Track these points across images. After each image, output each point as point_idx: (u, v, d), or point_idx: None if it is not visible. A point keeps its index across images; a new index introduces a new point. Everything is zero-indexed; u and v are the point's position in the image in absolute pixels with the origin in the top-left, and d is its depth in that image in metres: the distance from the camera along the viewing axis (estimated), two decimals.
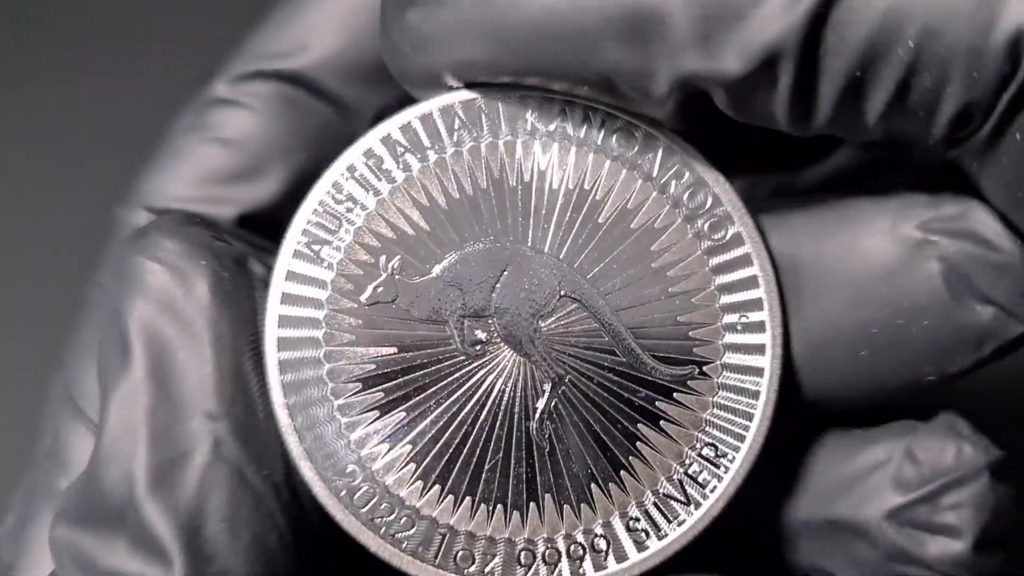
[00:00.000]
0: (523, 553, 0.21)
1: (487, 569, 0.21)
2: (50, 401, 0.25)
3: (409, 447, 0.21)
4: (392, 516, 0.21)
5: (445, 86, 0.21)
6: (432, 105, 0.21)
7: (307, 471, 0.21)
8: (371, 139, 0.21)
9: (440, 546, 0.21)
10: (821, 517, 0.22)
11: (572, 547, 0.21)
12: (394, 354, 0.21)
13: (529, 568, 0.21)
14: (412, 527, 0.21)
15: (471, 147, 0.21)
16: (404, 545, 0.21)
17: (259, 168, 0.23)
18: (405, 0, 0.21)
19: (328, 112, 0.23)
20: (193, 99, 0.24)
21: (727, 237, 0.22)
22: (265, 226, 0.23)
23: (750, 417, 0.22)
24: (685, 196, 0.22)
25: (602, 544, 0.21)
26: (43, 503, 0.23)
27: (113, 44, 0.44)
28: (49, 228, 0.42)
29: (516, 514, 0.21)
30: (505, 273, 0.21)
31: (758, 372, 0.22)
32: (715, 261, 0.22)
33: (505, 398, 0.21)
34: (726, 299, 0.22)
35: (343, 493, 0.21)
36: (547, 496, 0.21)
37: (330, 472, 0.21)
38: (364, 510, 0.21)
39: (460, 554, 0.21)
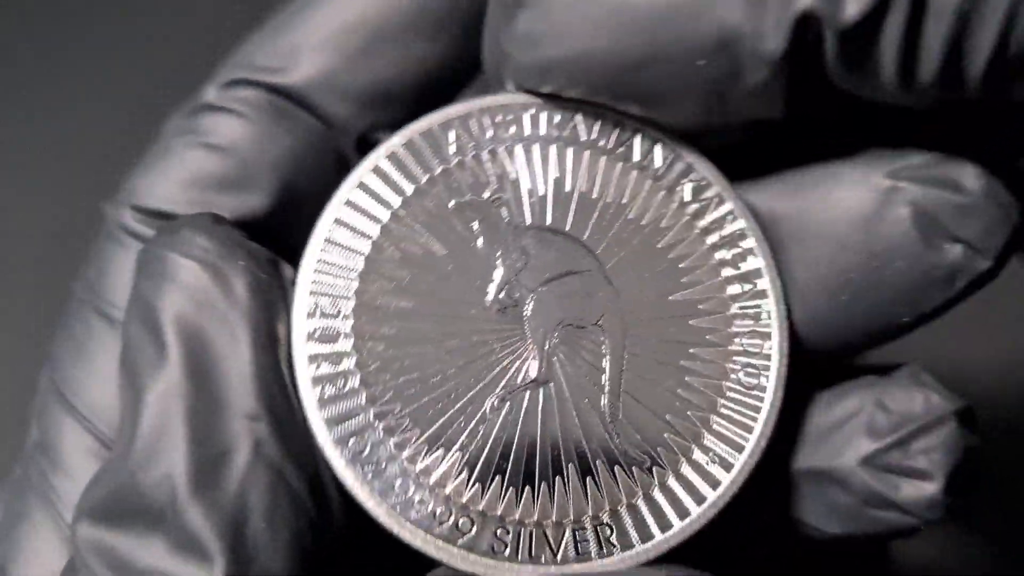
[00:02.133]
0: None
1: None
2: (39, 395, 0.24)
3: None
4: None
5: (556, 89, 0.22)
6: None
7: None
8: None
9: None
10: (803, 467, 0.23)
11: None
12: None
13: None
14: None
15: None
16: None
17: (249, 177, 0.23)
18: (512, 5, 0.21)
19: (318, 128, 0.23)
20: (184, 103, 0.24)
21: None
22: (254, 237, 0.23)
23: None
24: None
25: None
26: (35, 499, 0.23)
27: (105, 44, 0.44)
28: (35, 224, 0.42)
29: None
30: (568, 276, 0.22)
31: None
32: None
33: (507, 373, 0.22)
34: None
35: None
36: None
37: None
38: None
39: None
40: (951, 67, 0.20)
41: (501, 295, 0.22)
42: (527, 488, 0.21)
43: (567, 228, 0.22)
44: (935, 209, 0.21)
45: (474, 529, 0.21)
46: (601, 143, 0.22)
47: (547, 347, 0.22)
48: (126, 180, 0.24)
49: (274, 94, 0.23)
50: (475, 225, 0.22)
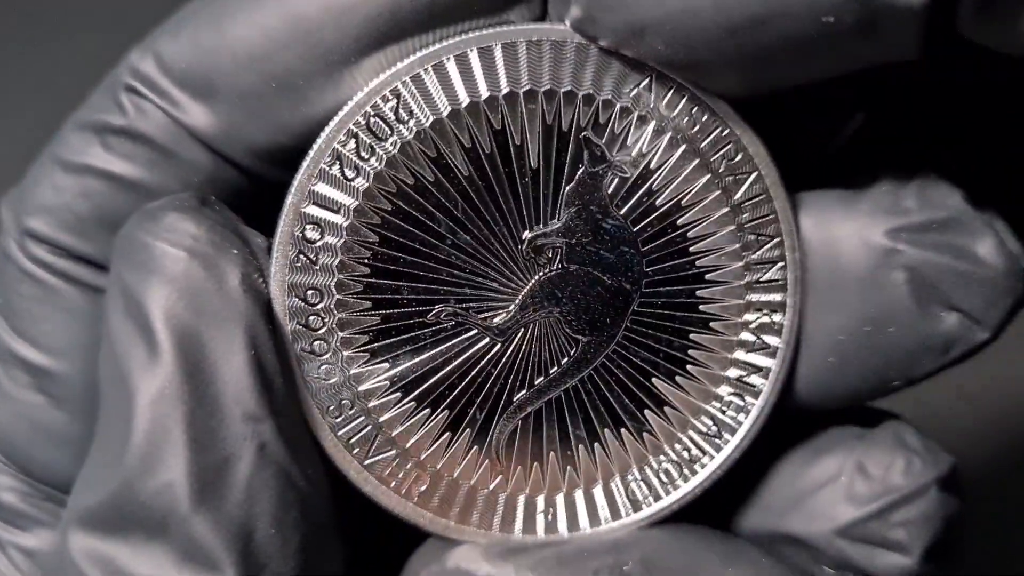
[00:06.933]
0: None
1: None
2: None
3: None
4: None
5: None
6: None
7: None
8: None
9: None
10: (772, 529, 0.23)
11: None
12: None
13: None
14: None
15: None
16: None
17: None
18: None
19: (226, 169, 0.21)
20: (85, 106, 0.22)
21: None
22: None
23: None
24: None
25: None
26: None
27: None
28: None
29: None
30: (600, 282, 0.21)
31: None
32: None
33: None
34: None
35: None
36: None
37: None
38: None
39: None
40: None
41: (540, 242, 0.21)
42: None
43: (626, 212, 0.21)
44: (934, 276, 0.20)
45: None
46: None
47: (525, 317, 0.21)
48: (22, 188, 0.22)
49: (182, 128, 0.21)
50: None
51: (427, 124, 0.21)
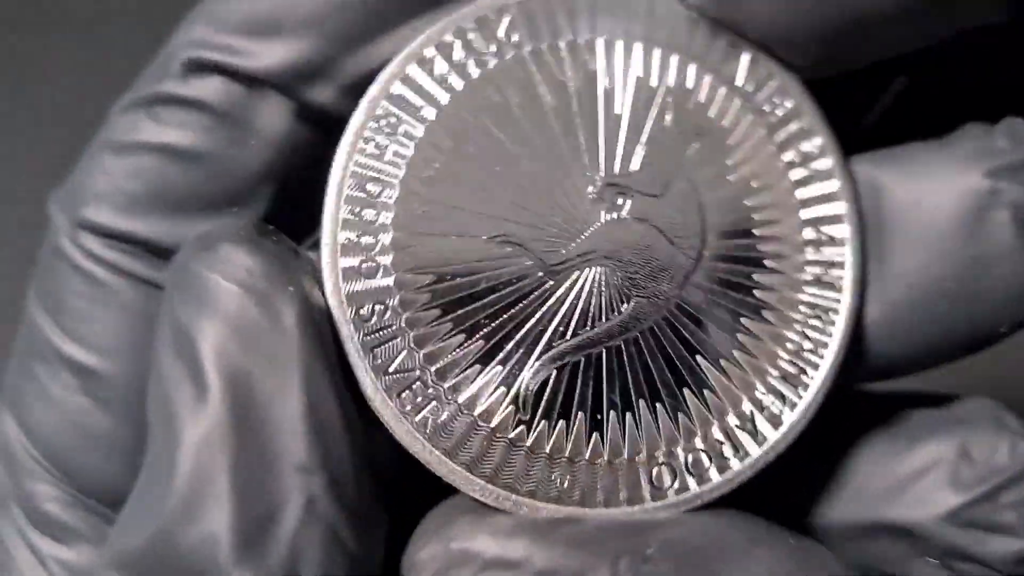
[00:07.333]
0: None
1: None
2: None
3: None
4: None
5: None
6: None
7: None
8: None
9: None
10: (866, 519, 0.22)
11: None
12: None
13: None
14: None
15: None
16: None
17: (222, 192, 0.21)
18: None
19: (298, 115, 0.21)
20: (136, 85, 0.22)
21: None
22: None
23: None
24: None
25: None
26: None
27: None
28: None
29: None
30: (659, 243, 0.21)
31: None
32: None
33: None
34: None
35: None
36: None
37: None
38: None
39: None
40: None
41: (612, 189, 0.21)
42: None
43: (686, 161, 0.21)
44: None
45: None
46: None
47: (582, 261, 0.21)
48: (72, 181, 0.21)
49: (247, 82, 0.20)
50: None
51: (527, 50, 0.21)
